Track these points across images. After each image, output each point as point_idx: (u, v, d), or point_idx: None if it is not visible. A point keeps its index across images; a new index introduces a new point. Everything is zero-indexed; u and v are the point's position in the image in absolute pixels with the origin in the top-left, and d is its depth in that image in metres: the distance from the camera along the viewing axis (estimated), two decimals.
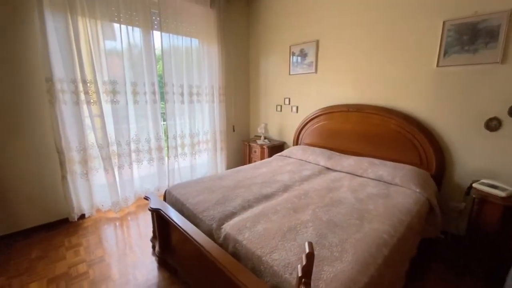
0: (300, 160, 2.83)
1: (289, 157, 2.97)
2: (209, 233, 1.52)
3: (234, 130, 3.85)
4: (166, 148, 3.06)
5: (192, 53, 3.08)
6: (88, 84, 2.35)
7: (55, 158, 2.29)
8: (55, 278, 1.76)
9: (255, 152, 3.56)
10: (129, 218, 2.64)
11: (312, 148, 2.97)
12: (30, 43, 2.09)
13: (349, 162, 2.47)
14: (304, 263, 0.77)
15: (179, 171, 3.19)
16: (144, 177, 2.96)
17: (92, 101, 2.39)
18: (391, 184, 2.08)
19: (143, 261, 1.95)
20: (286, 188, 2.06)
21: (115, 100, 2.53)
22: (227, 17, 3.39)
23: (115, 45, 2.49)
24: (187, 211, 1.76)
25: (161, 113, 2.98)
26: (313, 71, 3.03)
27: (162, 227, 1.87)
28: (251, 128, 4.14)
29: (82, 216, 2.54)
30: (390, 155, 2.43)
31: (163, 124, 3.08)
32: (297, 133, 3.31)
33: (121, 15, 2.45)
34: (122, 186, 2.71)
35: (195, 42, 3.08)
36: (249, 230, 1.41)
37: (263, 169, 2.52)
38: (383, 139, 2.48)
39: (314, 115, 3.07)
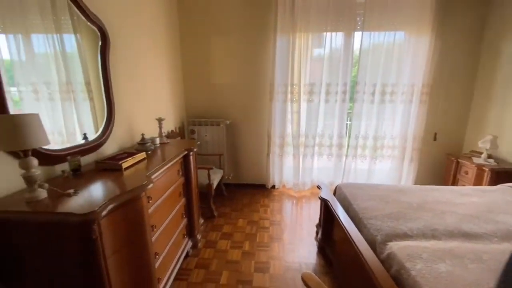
0: None
1: None
2: (371, 244, 1.41)
3: (435, 139, 3.04)
4: (346, 147, 3.11)
5: (393, 48, 2.78)
6: (294, 86, 2.95)
7: (265, 140, 3.17)
8: (251, 222, 2.52)
9: (465, 173, 2.60)
10: (303, 200, 3.07)
11: None
12: (266, 57, 2.98)
13: None
14: None
15: (355, 172, 3.14)
16: (321, 169, 3.24)
17: (294, 99, 2.99)
18: None
19: (306, 240, 2.22)
20: (510, 235, 1.36)
21: (310, 99, 2.97)
22: None
23: (319, 52, 2.87)
24: (352, 211, 1.74)
25: (348, 112, 3.04)
26: None
27: (327, 218, 2.00)
28: (466, 139, 3.04)
29: (273, 187, 3.34)
30: None
31: (348, 123, 3.14)
32: None
33: (329, 24, 2.75)
34: (303, 172, 3.19)
35: (399, 35, 2.75)
36: (424, 263, 1.13)
37: (474, 199, 1.81)
38: None
39: None
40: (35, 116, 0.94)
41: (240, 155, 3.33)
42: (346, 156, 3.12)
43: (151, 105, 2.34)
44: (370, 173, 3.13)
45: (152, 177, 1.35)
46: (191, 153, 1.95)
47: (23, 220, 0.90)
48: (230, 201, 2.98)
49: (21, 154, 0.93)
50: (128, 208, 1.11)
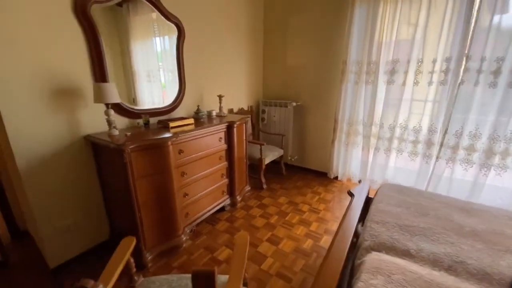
0: None
1: None
2: (357, 249, 1.19)
3: None
4: (438, 145, 2.33)
5: None
6: (371, 65, 2.50)
7: (332, 125, 2.94)
8: (291, 202, 2.56)
9: None
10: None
11: None
12: (341, 32, 2.67)
13: None
14: None
15: (448, 181, 2.32)
16: (400, 169, 2.63)
17: (370, 81, 2.55)
18: None
19: None
20: None
21: (390, 80, 2.42)
22: None
23: (409, 20, 2.24)
24: (368, 213, 1.45)
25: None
26: None
27: None
28: None
29: (336, 178, 3.09)
30: None
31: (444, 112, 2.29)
32: None
33: None
34: (372, 168, 2.73)
35: None
36: (385, 283, 0.89)
37: None
38: None
39: None
40: (111, 85, 1.56)
41: (306, 139, 3.29)
42: (437, 157, 2.34)
43: (223, 84, 2.82)
44: (476, 188, 2.19)
45: (184, 136, 1.80)
46: (234, 125, 2.26)
47: (104, 144, 1.57)
48: (284, 180, 3.10)
49: (105, 107, 1.60)
50: (155, 151, 1.60)
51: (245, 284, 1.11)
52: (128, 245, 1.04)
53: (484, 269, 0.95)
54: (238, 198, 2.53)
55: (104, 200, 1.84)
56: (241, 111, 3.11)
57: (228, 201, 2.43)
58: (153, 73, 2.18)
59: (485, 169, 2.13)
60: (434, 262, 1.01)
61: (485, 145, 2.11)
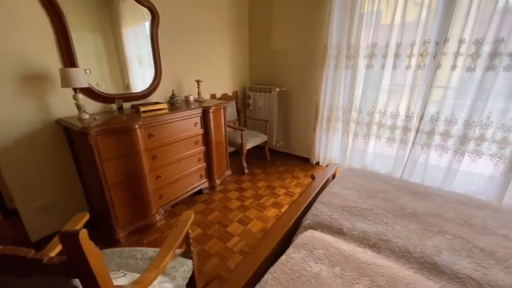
0: None
1: None
2: (299, 226, 1.25)
3: None
4: (414, 131, 2.30)
5: None
6: (351, 49, 2.44)
7: (314, 111, 2.93)
8: (270, 186, 2.63)
9: None
10: None
11: None
12: (322, 16, 2.59)
13: None
14: None
15: (424, 167, 2.31)
16: (378, 155, 2.63)
17: (350, 65, 2.50)
18: None
19: None
20: None
21: (369, 64, 2.37)
22: None
23: (387, 2, 2.16)
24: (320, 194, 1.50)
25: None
26: None
27: None
28: None
29: (318, 163, 3.11)
30: None
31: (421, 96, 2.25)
32: None
33: None
34: (351, 153, 2.74)
35: None
36: (305, 256, 0.95)
37: None
38: None
39: None
40: (78, 70, 1.61)
41: (290, 125, 3.29)
42: (413, 143, 2.32)
43: (204, 70, 2.82)
44: (450, 174, 2.18)
45: (154, 120, 1.85)
46: (210, 110, 2.29)
47: (72, 127, 1.64)
48: (268, 165, 3.15)
49: (73, 91, 1.66)
50: (122, 134, 1.67)
51: (189, 257, 1.19)
52: (79, 219, 1.13)
53: (406, 248, 0.99)
54: (218, 181, 2.61)
55: (80, 180, 1.95)
56: (224, 97, 3.12)
57: (206, 184, 2.51)
58: (144, 58, 2.23)
59: (459, 155, 2.11)
60: (362, 240, 1.05)
61: (460, 131, 2.08)
